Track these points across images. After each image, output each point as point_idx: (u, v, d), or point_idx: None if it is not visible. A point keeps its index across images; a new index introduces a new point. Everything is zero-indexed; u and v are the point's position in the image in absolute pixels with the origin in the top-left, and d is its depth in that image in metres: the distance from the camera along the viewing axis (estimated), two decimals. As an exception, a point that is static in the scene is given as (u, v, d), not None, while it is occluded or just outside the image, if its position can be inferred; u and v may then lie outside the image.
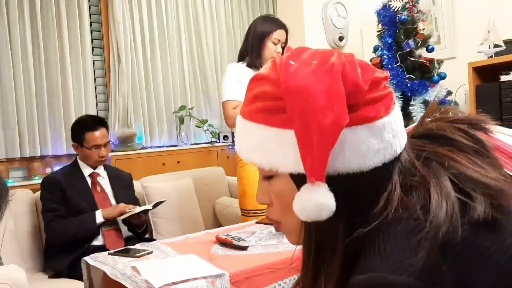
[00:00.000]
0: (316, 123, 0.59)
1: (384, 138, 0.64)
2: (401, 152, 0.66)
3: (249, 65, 2.54)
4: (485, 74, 3.08)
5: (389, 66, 3.15)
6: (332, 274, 0.66)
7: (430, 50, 3.17)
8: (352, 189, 0.64)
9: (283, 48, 2.56)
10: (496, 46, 3.09)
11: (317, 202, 0.62)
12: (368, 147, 0.63)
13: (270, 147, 0.66)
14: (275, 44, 2.52)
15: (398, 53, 3.10)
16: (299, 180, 0.64)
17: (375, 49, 3.37)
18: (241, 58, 2.61)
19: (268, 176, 0.70)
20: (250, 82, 0.71)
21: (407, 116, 3.17)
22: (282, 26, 2.55)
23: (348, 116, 0.60)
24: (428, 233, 0.56)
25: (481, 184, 0.62)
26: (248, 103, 0.70)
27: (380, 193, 0.64)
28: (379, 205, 0.63)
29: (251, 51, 2.53)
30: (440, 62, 3.21)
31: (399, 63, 3.11)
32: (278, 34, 2.52)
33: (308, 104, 0.60)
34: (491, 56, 3.08)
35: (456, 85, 3.31)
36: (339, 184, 0.63)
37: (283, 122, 0.64)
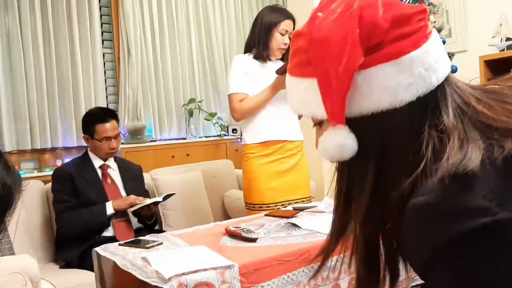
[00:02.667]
0: (333, 70, 0.63)
1: (414, 72, 0.64)
2: (439, 88, 0.66)
3: (256, 57, 2.50)
4: (497, 67, 3.05)
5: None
6: (358, 212, 0.69)
7: (441, 43, 3.15)
8: (388, 127, 0.66)
9: (290, 39, 2.53)
10: (508, 39, 3.06)
11: (338, 143, 0.66)
12: (397, 82, 0.64)
13: (308, 97, 0.70)
14: (283, 35, 2.46)
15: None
16: None
17: (385, 42, 3.34)
18: (248, 50, 2.56)
19: (318, 124, 0.74)
20: (291, 40, 0.77)
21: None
22: (289, 16, 2.49)
23: (361, 59, 0.62)
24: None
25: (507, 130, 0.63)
26: (289, 60, 0.75)
27: (415, 130, 0.65)
28: (419, 147, 0.64)
29: (258, 42, 2.48)
30: (451, 55, 3.18)
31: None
32: (286, 25, 2.46)
33: (327, 52, 0.64)
34: (503, 50, 3.05)
35: (467, 79, 3.28)
36: (373, 123, 0.66)
37: (313, 72, 0.68)
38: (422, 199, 0.58)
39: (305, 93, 0.70)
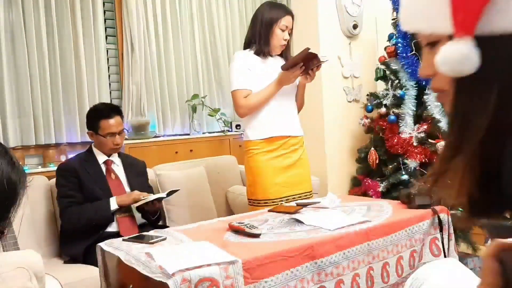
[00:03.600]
0: None
1: None
2: None
3: (257, 53, 2.52)
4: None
5: (404, 55, 3.11)
6: (476, 133, 0.65)
7: (445, 38, 3.13)
8: None
9: (290, 35, 2.55)
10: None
11: (462, 53, 0.62)
12: None
13: (432, 10, 0.67)
14: (283, 30, 2.48)
15: (413, 41, 3.06)
16: None
17: (390, 37, 3.33)
18: (247, 45, 2.59)
19: (431, 45, 0.70)
20: None
21: (422, 105, 3.15)
22: (289, 12, 2.53)
23: None
24: None
25: None
26: None
27: None
28: None
29: (259, 38, 2.51)
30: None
31: (414, 52, 3.08)
32: (286, 21, 2.49)
33: None
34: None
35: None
36: (503, 44, 0.62)
37: None
38: None
39: (428, 6, 0.67)
